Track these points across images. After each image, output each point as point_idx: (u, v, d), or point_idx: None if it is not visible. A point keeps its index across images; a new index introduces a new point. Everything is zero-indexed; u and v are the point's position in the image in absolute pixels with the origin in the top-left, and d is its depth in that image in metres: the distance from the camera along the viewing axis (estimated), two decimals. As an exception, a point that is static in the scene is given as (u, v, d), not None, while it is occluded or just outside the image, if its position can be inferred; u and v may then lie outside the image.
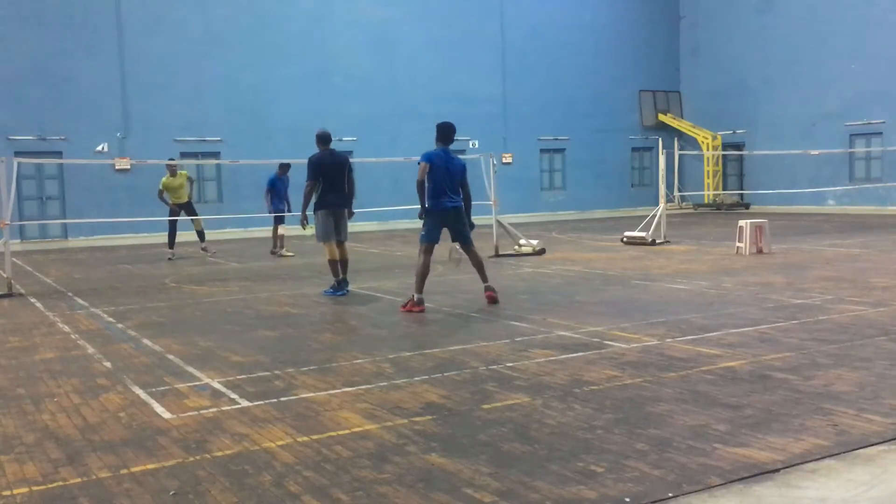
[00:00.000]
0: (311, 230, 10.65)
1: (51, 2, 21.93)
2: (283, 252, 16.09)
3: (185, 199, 15.95)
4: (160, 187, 15.85)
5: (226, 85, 23.83)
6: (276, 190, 16.10)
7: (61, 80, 21.97)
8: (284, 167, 16.05)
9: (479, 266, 9.22)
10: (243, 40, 24.10)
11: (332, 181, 10.13)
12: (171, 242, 16.14)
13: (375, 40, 25.87)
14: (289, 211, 16.18)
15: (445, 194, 8.84)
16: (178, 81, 23.24)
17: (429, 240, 8.98)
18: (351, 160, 10.70)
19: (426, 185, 8.83)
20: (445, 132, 8.99)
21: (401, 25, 26.34)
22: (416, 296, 8.82)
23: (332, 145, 10.46)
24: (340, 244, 10.33)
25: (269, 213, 16.21)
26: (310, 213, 10.28)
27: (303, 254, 16.42)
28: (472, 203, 9.30)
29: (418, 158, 9.10)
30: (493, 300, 9.07)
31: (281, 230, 16.26)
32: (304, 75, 24.76)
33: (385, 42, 26.04)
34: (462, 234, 9.13)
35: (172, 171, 15.92)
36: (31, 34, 21.68)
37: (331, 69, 25.15)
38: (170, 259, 15.85)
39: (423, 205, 8.90)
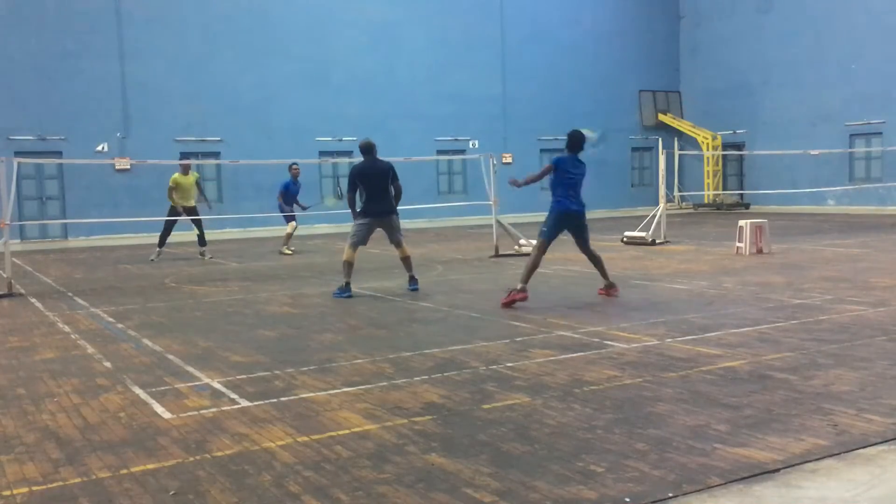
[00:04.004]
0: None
1: (51, 2, 21.93)
2: (284, 249, 16.15)
3: (192, 203, 15.88)
4: (171, 184, 15.61)
5: (226, 85, 23.81)
6: (289, 194, 16.16)
7: (61, 80, 21.96)
8: (294, 171, 16.09)
9: (597, 263, 9.51)
10: (243, 40, 24.08)
11: (372, 190, 10.25)
12: (162, 241, 15.98)
13: (375, 40, 25.86)
14: (302, 209, 16.50)
15: (570, 197, 9.11)
16: (178, 81, 23.22)
17: (547, 237, 9.20)
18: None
19: (554, 187, 9.14)
20: (571, 140, 9.31)
21: (401, 25, 26.32)
22: (520, 284, 9.00)
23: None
24: (398, 246, 10.50)
25: (282, 212, 16.36)
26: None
27: (304, 253, 16.42)
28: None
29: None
30: (610, 294, 9.42)
31: (288, 228, 16.37)
32: (304, 75, 24.73)
33: (385, 42, 26.02)
34: (581, 237, 9.39)
35: (185, 169, 15.79)
36: (31, 34, 21.67)
37: (331, 69, 25.12)
38: (152, 260, 15.69)
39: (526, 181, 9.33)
